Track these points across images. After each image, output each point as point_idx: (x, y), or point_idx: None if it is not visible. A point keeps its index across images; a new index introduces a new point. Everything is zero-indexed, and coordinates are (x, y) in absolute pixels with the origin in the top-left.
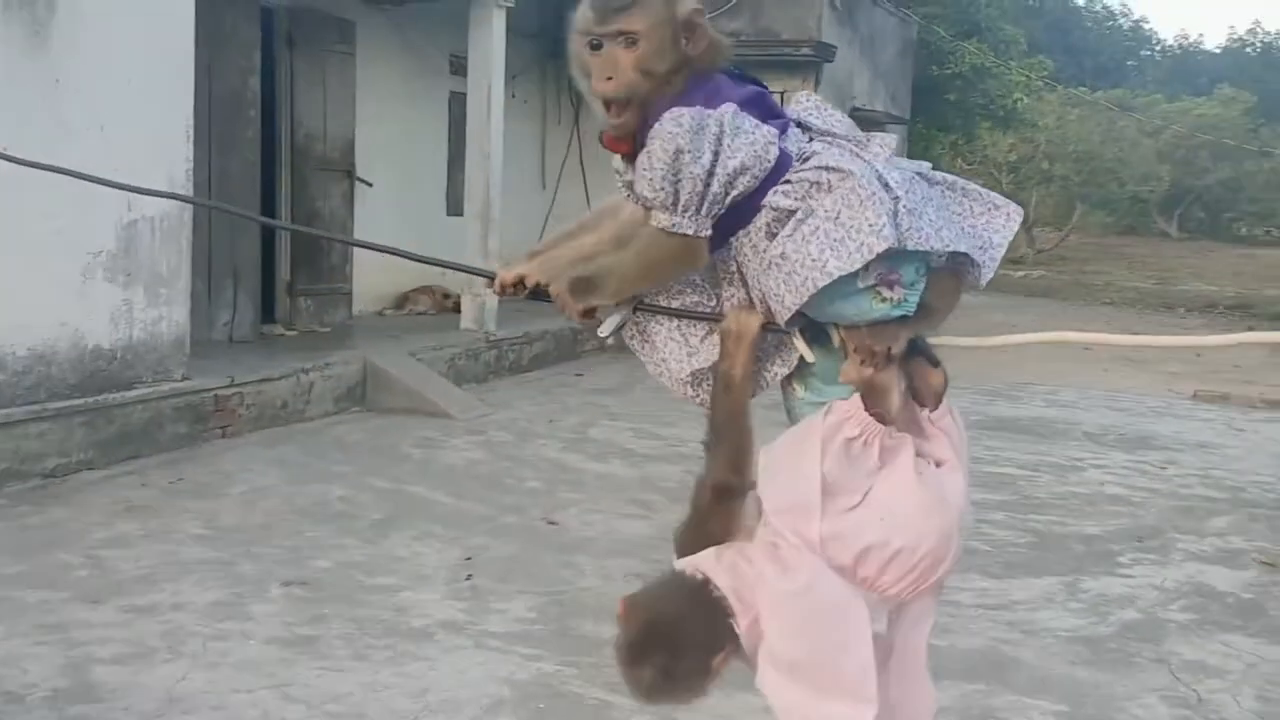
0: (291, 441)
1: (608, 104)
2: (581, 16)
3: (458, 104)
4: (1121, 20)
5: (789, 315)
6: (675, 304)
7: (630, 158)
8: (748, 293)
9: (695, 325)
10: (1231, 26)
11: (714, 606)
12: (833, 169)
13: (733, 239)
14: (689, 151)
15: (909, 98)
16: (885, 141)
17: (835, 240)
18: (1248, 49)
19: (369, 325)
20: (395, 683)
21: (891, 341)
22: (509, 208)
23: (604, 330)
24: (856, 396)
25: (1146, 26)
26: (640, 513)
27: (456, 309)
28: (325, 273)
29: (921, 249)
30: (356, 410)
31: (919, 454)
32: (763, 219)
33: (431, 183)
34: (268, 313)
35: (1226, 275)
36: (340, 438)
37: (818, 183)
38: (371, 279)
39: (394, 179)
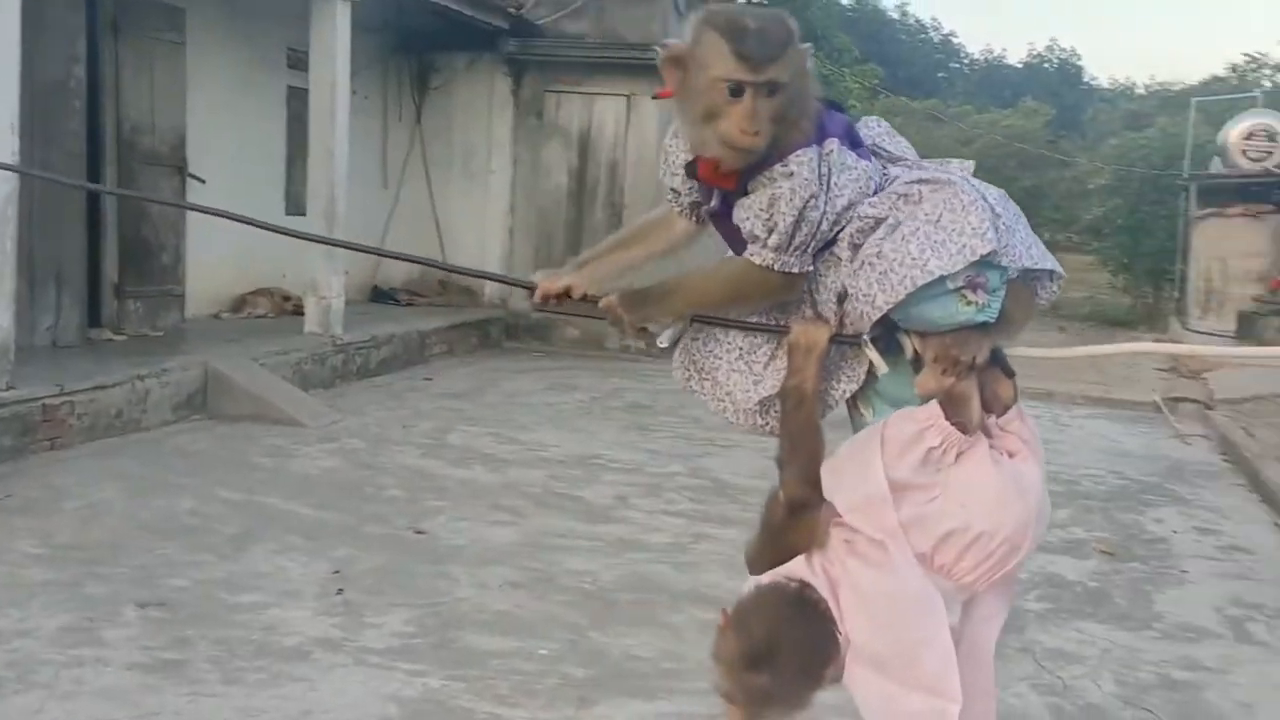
0: (128, 453)
1: (735, 150)
2: (722, 58)
3: (296, 99)
4: (932, 34)
5: (876, 316)
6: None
7: (727, 191)
8: (815, 309)
9: (758, 353)
10: (1031, 43)
11: (818, 614)
12: (926, 181)
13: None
14: (816, 197)
15: None
16: (964, 165)
17: (936, 242)
18: (1045, 64)
19: (205, 329)
20: (273, 706)
21: (975, 350)
22: (350, 207)
23: (664, 341)
24: (935, 404)
25: (955, 40)
26: (509, 519)
27: (297, 312)
28: (156, 273)
29: (1015, 265)
30: (197, 418)
31: (992, 447)
32: (849, 230)
33: (269, 180)
34: (94, 316)
35: None
36: (182, 447)
37: (906, 195)
38: (206, 280)
39: (228, 176)
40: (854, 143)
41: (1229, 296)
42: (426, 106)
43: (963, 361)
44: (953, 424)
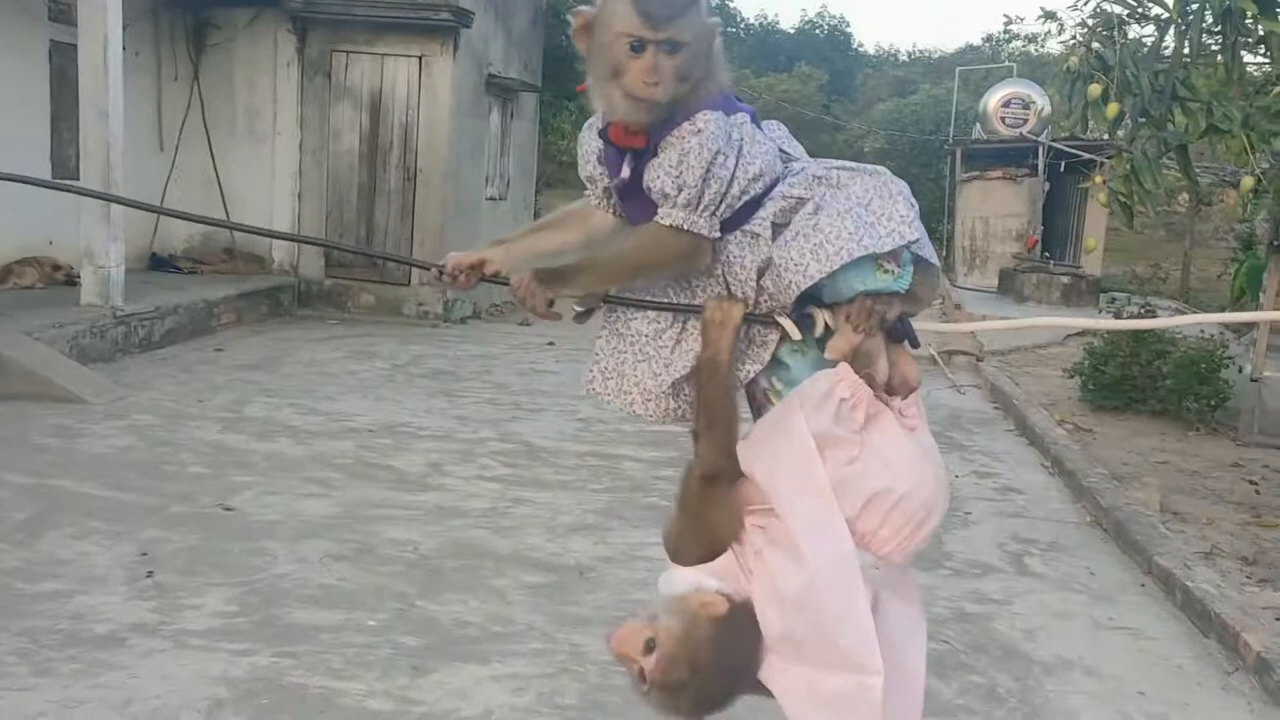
0: None
1: (637, 101)
2: (624, 16)
3: (60, 54)
4: None
5: (806, 285)
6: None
7: (634, 154)
8: (729, 289)
9: (663, 337)
10: (803, 10)
11: (746, 628)
12: (846, 167)
13: (726, 236)
14: (723, 154)
15: (540, 66)
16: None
17: (867, 223)
18: (817, 30)
19: None
20: (92, 696)
21: (886, 307)
22: (125, 171)
23: (579, 319)
24: (844, 365)
25: (731, 5)
26: (321, 491)
27: (69, 281)
28: None
29: (925, 256)
30: None
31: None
32: (770, 209)
33: (32, 143)
34: None
35: None
36: None
37: (824, 178)
38: None
39: None
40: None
41: (991, 254)
42: (205, 64)
43: (875, 314)
44: (861, 375)
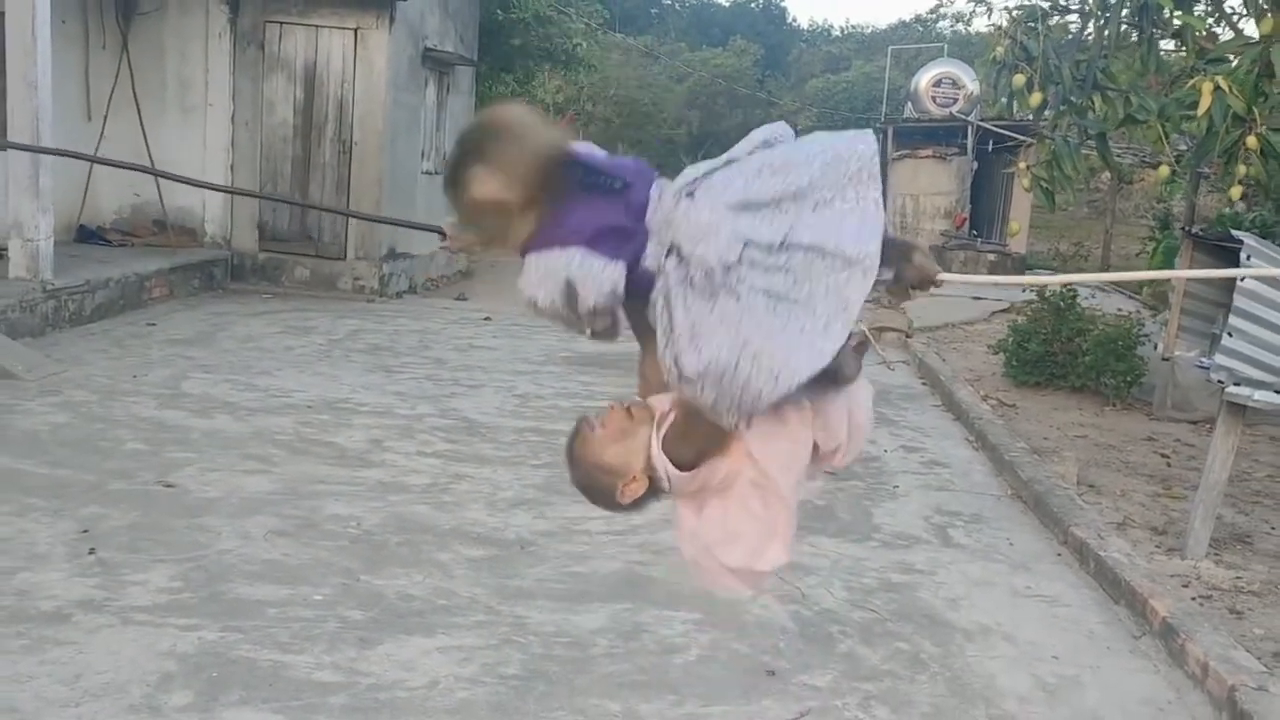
0: None
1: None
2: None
3: None
4: None
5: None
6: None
7: None
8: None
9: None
10: None
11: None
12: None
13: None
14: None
15: (476, 39)
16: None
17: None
18: (752, 4)
19: None
20: (40, 671)
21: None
22: (53, 142)
23: None
24: None
25: None
26: (262, 468)
27: None
28: None
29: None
30: None
31: None
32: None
33: None
34: None
35: None
36: None
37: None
38: None
39: None
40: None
41: (921, 231)
42: (134, 34)
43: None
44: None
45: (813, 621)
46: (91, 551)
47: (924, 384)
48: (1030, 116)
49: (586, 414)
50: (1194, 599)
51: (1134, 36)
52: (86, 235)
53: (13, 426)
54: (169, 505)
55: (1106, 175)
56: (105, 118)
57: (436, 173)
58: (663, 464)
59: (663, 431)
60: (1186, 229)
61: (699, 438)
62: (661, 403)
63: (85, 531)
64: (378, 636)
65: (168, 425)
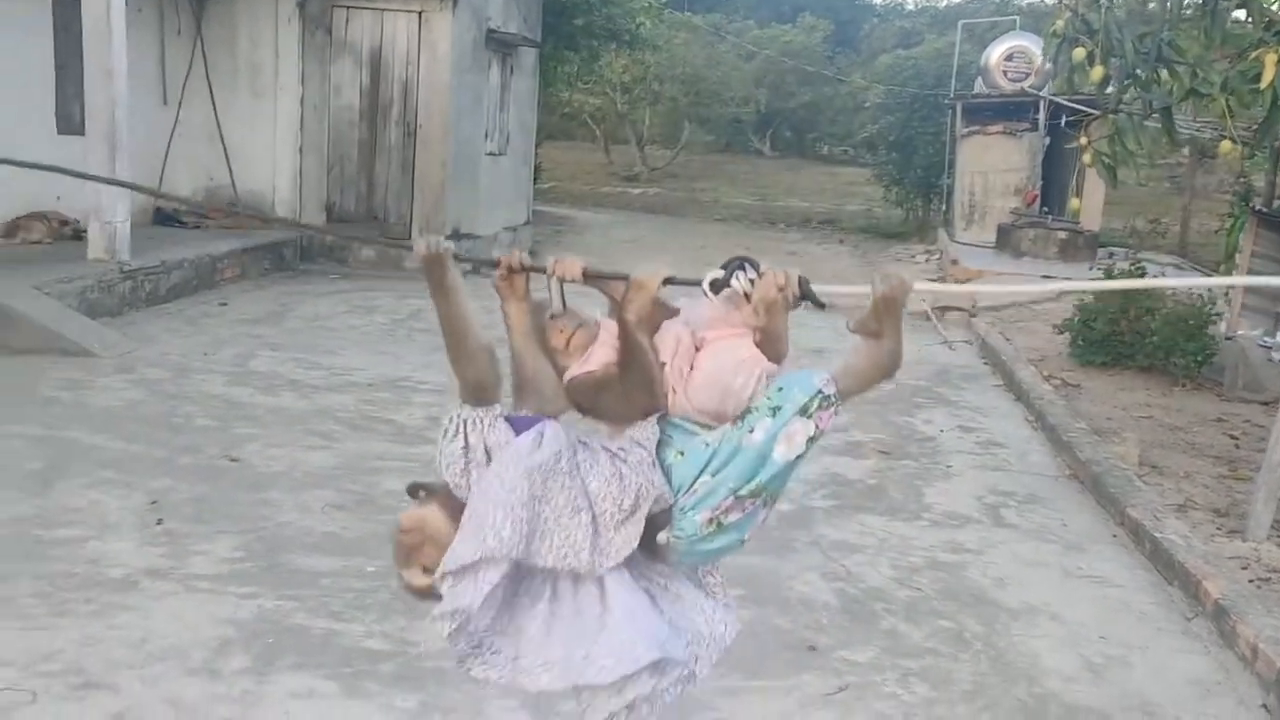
0: None
1: None
2: None
3: (64, 8)
4: None
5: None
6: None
7: None
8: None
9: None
10: None
11: None
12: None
13: None
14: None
15: (540, 20)
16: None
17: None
18: None
19: None
20: (108, 635)
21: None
22: (130, 127)
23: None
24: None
25: None
26: (323, 444)
27: (76, 237)
28: None
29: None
30: None
31: None
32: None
33: (37, 97)
34: None
35: (815, 192)
36: None
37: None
38: None
39: None
40: None
41: (990, 209)
42: (207, 19)
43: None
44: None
45: (857, 599)
46: (159, 522)
47: (985, 363)
48: (1093, 91)
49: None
50: (1251, 581)
51: (1200, 5)
52: (162, 218)
53: (89, 403)
54: (234, 479)
55: (1187, 150)
56: (180, 102)
57: (501, 153)
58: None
59: (583, 367)
60: (1253, 206)
61: (603, 409)
62: (606, 351)
63: (154, 503)
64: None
65: (235, 402)
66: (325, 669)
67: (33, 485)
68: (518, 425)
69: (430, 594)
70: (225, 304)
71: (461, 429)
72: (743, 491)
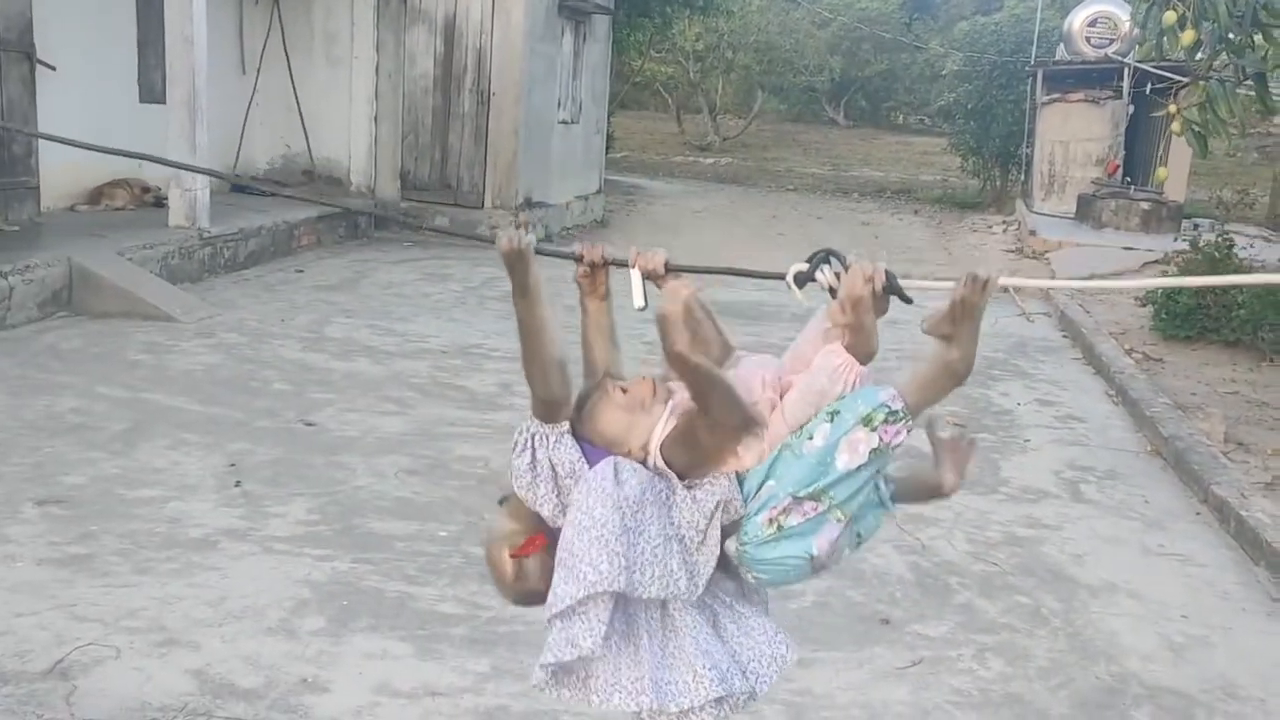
0: None
1: None
2: None
3: None
4: None
5: None
6: None
7: None
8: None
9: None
10: None
11: None
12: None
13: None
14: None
15: None
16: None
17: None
18: None
19: (63, 222)
20: (188, 593)
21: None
22: (209, 95)
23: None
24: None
25: None
26: (396, 409)
27: (157, 204)
28: (7, 165)
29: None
30: (64, 315)
31: None
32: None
33: (121, 66)
34: None
35: (889, 161)
36: (54, 345)
37: None
38: (60, 172)
39: (79, 62)
40: None
41: (1070, 179)
42: None
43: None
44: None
45: (931, 573)
46: (238, 484)
47: (1064, 336)
48: (1183, 56)
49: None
50: None
51: None
52: (241, 186)
53: (170, 366)
54: (309, 443)
55: (1278, 119)
56: (258, 71)
57: (573, 122)
58: (655, 456)
59: (668, 428)
60: None
61: (700, 450)
62: (685, 399)
63: (232, 465)
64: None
65: (311, 367)
66: (399, 631)
67: (117, 446)
68: (587, 451)
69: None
70: (301, 271)
71: (529, 444)
72: (801, 494)
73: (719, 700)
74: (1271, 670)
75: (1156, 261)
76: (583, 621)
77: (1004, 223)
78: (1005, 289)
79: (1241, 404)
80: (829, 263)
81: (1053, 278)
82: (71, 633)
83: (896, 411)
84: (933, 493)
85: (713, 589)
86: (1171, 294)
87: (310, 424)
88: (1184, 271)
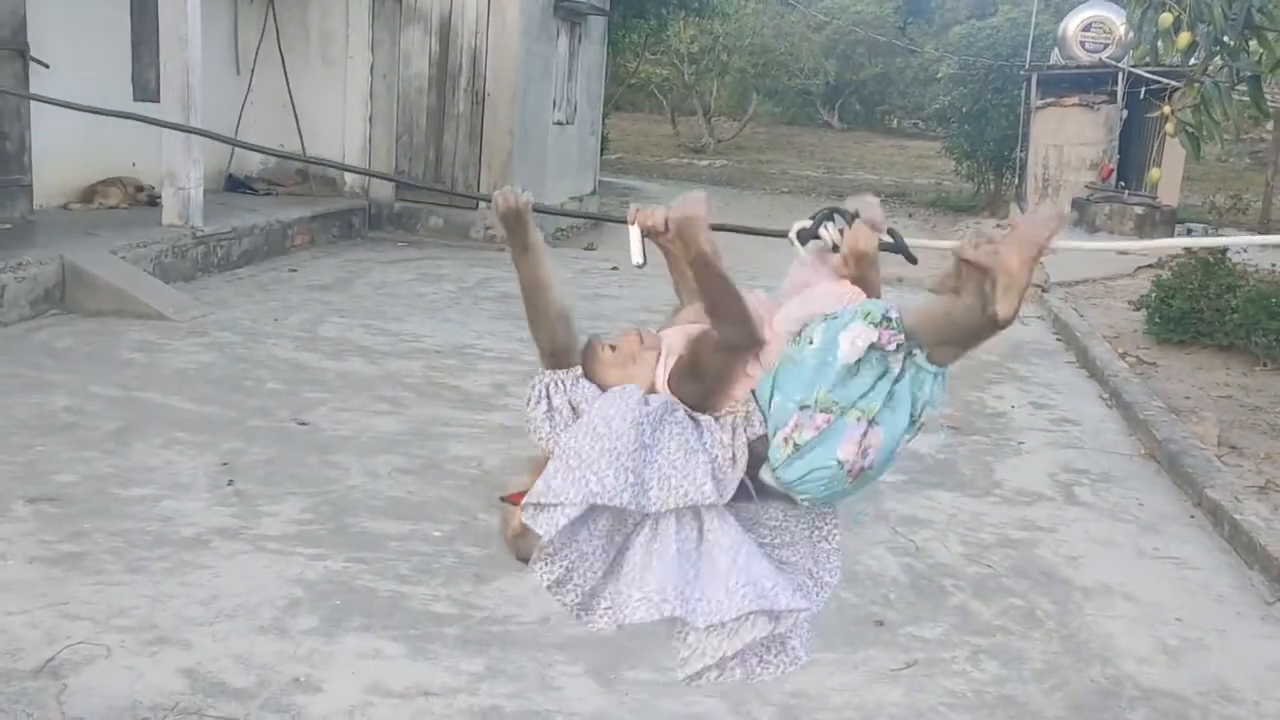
0: None
1: None
2: None
3: None
4: None
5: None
6: None
7: None
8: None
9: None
10: None
11: None
12: None
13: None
14: None
15: None
16: None
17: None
18: None
19: (56, 221)
20: (180, 592)
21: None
22: (204, 94)
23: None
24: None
25: None
26: (390, 409)
27: (151, 202)
28: (0, 162)
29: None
30: (56, 313)
31: None
32: None
33: (115, 64)
34: None
35: (884, 164)
36: (46, 343)
37: None
38: (53, 170)
39: (73, 60)
40: None
41: (1065, 183)
42: None
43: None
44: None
45: (925, 574)
46: (230, 483)
47: (1058, 339)
48: (1178, 60)
49: (599, 335)
50: None
51: None
52: (234, 185)
53: (163, 365)
54: (303, 442)
55: (1271, 124)
56: (253, 71)
57: (568, 123)
58: (665, 395)
59: (669, 365)
60: None
61: (709, 376)
62: (675, 338)
63: (225, 464)
64: (493, 573)
65: (305, 366)
66: (392, 631)
67: (110, 444)
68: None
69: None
70: (295, 270)
71: (545, 392)
72: (808, 403)
73: (772, 616)
74: (1266, 673)
75: (1151, 265)
76: (550, 514)
77: (998, 226)
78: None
79: (1235, 408)
80: (832, 219)
81: (1047, 281)
82: (62, 631)
83: (893, 320)
84: (981, 326)
85: (757, 516)
86: (1165, 298)
87: (303, 423)
88: (1178, 276)
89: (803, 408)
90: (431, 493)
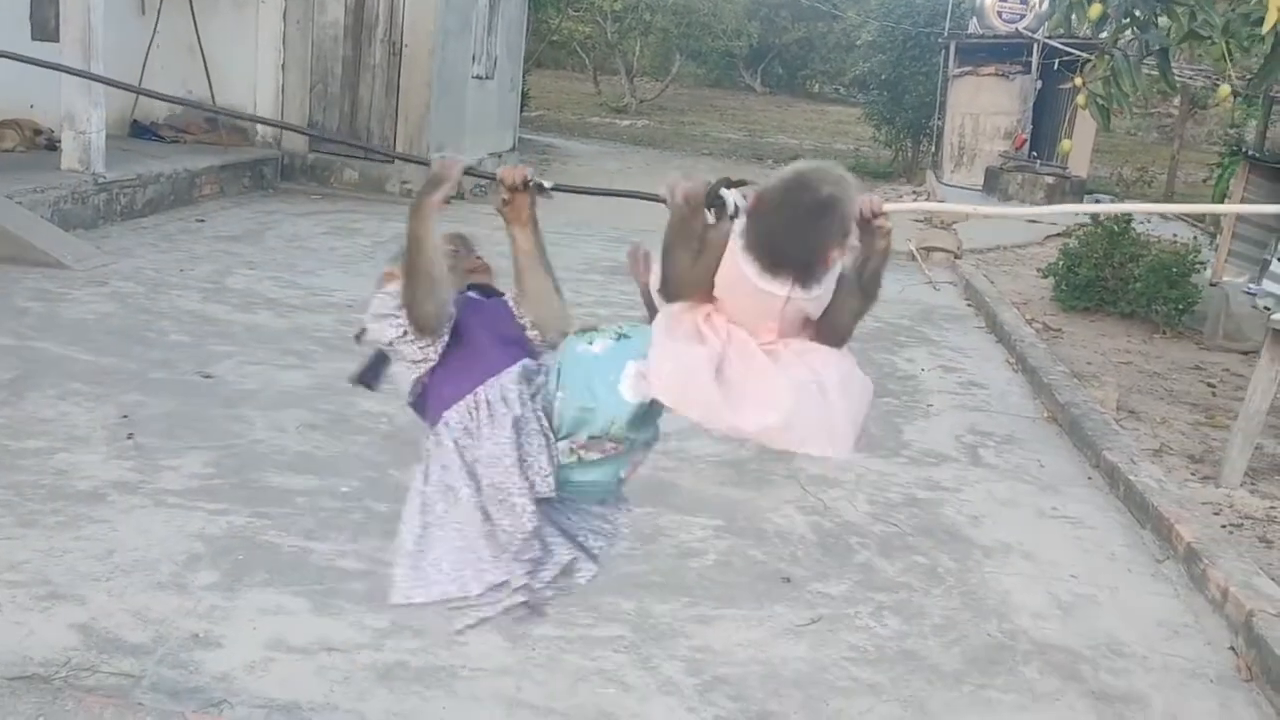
0: None
1: None
2: None
3: None
4: None
5: None
6: None
7: None
8: None
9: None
10: None
11: None
12: None
13: None
14: None
15: None
16: None
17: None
18: None
19: None
20: (75, 546)
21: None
22: (106, 35)
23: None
24: None
25: None
26: (298, 363)
27: (50, 146)
28: None
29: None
30: None
31: None
32: None
33: (11, 4)
34: None
35: (804, 129)
36: None
37: None
38: None
39: None
40: None
41: (979, 152)
42: None
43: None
44: None
45: (832, 533)
46: (130, 436)
47: (969, 305)
48: (1090, 31)
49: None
50: (1223, 527)
51: None
52: (140, 131)
53: (60, 314)
54: (207, 395)
55: (1178, 100)
56: (159, 12)
57: (487, 77)
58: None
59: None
60: (1245, 151)
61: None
62: None
63: (125, 417)
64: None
65: (211, 319)
66: (295, 586)
67: (2, 395)
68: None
69: None
70: (203, 221)
71: (405, 333)
72: (596, 434)
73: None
74: (1154, 628)
75: (1060, 234)
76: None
77: (914, 193)
78: (913, 258)
79: (1134, 374)
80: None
81: (959, 247)
82: None
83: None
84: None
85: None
86: (1072, 266)
87: (208, 376)
88: (1084, 245)
89: (592, 438)
90: (339, 448)
